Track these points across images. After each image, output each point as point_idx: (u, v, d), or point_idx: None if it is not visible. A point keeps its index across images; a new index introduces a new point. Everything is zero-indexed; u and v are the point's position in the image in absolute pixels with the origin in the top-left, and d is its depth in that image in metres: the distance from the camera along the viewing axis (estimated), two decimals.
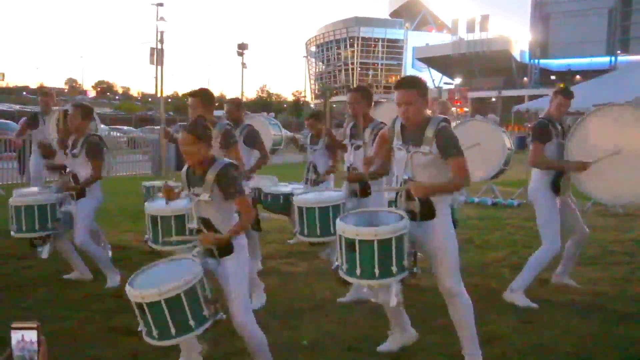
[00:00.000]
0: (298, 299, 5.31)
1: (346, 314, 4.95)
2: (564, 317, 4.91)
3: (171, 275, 3.28)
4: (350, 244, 3.54)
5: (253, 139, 5.95)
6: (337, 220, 3.72)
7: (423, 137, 3.70)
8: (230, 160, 3.65)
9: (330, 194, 5.52)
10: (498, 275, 6.21)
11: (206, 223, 3.57)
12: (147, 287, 3.23)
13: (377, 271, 3.49)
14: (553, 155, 5.38)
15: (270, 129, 8.83)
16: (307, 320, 4.76)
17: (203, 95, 5.13)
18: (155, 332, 3.25)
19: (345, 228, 3.58)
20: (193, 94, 5.13)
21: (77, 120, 5.68)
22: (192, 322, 3.24)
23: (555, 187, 5.33)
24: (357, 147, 5.19)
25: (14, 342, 1.59)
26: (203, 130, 3.57)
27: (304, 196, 5.47)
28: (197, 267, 3.36)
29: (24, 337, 1.60)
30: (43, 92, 8.83)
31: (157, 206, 5.08)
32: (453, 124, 7.42)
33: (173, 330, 3.22)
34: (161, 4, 43.29)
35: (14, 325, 1.58)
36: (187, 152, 3.53)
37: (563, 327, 4.69)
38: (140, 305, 3.22)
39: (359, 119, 5.13)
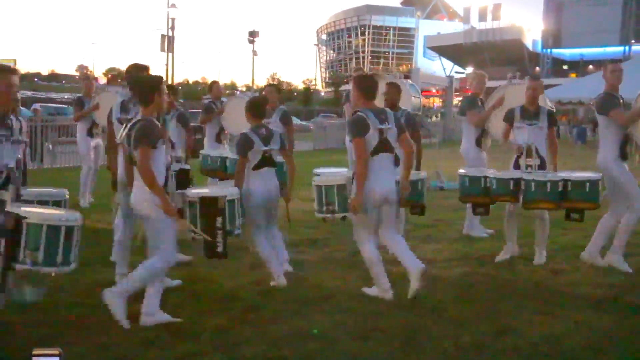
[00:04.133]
0: (308, 288, 5.29)
1: (357, 303, 4.93)
2: (577, 309, 4.86)
3: None
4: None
5: None
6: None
7: None
8: None
9: None
10: (511, 267, 6.16)
11: None
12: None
13: None
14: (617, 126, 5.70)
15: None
16: (317, 309, 4.74)
17: None
18: None
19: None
20: None
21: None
22: None
23: (623, 153, 5.75)
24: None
25: None
26: None
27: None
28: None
29: None
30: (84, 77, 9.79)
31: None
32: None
33: None
34: None
35: (35, 352, 1.53)
36: None
37: (576, 319, 4.63)
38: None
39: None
